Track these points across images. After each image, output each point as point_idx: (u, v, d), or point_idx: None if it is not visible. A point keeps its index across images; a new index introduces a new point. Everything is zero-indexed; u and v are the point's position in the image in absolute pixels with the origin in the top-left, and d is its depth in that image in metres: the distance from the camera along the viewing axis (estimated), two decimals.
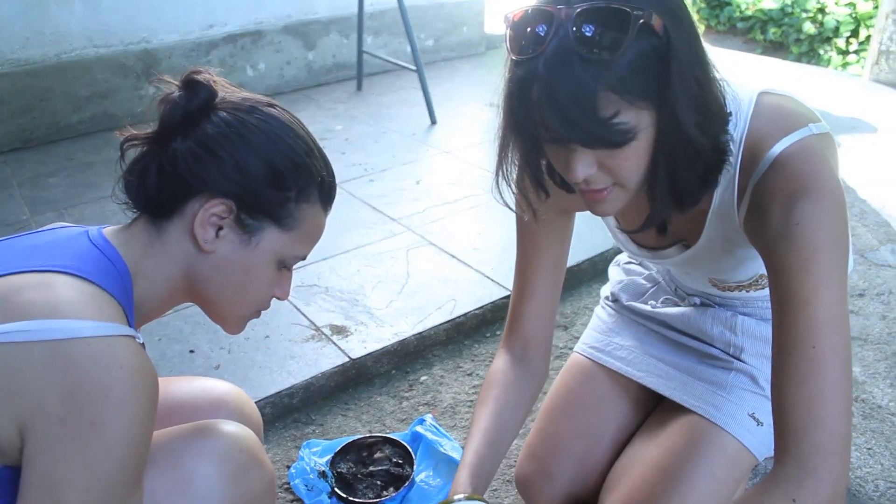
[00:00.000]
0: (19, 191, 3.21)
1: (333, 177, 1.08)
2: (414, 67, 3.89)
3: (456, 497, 1.17)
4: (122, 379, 0.81)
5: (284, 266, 1.06)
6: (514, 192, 1.14)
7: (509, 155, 1.08)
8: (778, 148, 1.02)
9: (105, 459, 0.81)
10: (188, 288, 1.02)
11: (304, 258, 1.08)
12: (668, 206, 1.05)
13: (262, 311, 1.11)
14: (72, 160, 3.53)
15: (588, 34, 0.88)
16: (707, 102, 0.98)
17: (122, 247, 0.97)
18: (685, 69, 0.93)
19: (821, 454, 0.93)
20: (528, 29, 0.93)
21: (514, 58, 0.95)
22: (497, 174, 1.11)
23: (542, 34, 0.91)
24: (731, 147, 1.07)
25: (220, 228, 0.97)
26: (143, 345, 0.90)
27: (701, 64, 0.97)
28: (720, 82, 1.02)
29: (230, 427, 1.06)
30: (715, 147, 1.02)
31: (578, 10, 0.89)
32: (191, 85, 0.97)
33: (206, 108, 0.97)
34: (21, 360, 0.79)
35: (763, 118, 1.07)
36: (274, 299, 1.09)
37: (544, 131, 0.97)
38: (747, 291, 1.34)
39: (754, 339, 1.38)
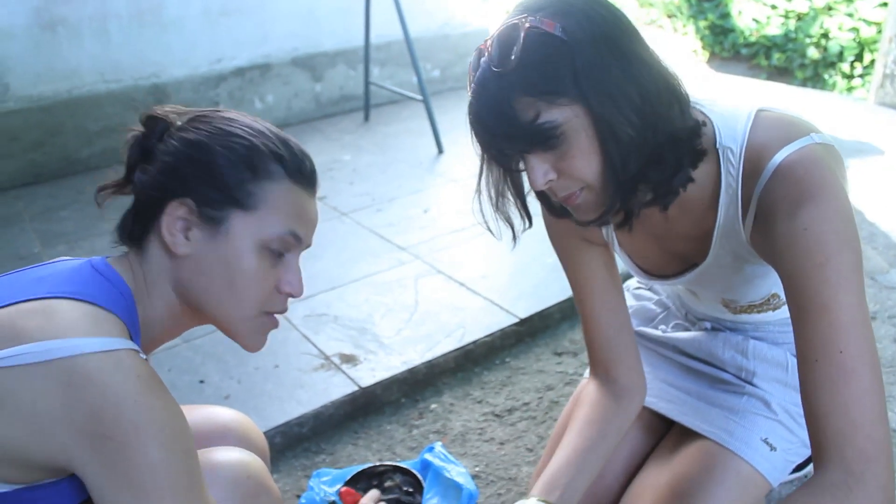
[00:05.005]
0: (31, 224, 3.24)
1: (300, 154, 1.05)
2: (420, 98, 3.92)
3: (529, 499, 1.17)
4: (140, 385, 0.82)
5: (271, 251, 1.00)
6: (497, 215, 1.16)
7: (490, 178, 1.13)
8: (780, 156, 1.03)
9: (166, 453, 0.81)
10: (183, 302, 1.02)
11: (292, 238, 1.02)
12: (627, 196, 1.04)
13: (273, 330, 1.07)
14: (82, 194, 3.56)
15: (496, 53, 0.98)
16: (640, 87, 0.98)
17: (123, 272, 0.99)
18: (599, 60, 0.96)
19: (865, 460, 0.90)
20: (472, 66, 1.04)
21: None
22: (477, 195, 1.14)
23: (474, 69, 1.02)
24: (731, 156, 1.08)
25: (189, 230, 0.98)
26: (146, 360, 0.90)
27: (620, 53, 0.98)
28: (665, 71, 1.03)
29: (237, 454, 1.06)
30: (672, 131, 1.02)
31: (493, 38, 1.00)
32: (147, 122, 1.01)
33: (160, 138, 1.00)
34: (34, 381, 0.80)
35: (763, 130, 1.07)
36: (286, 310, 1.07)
37: (493, 153, 1.06)
38: (759, 313, 1.33)
39: (766, 363, 1.37)
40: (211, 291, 1.00)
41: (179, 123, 1.01)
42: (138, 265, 1.00)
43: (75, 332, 0.82)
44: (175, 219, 0.97)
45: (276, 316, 1.06)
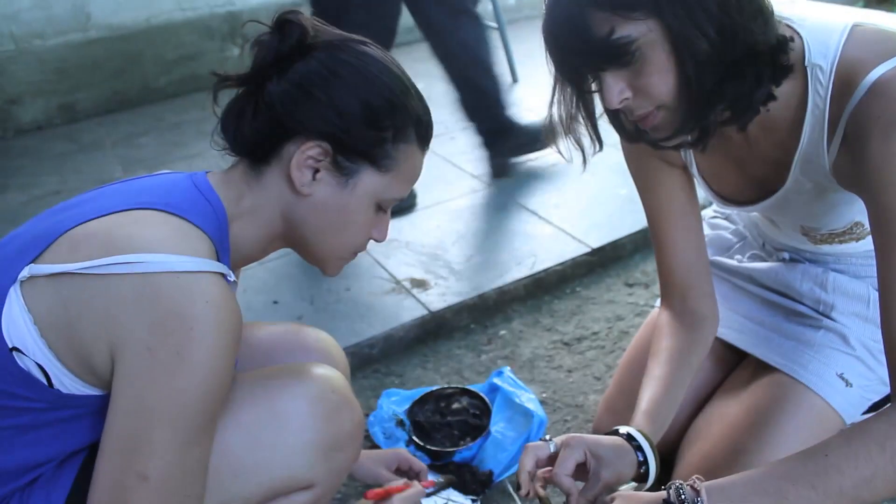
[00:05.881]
0: (112, 151, 3.35)
1: (430, 116, 1.06)
2: (495, 26, 3.84)
3: (623, 427, 1.18)
4: (207, 313, 0.84)
5: (381, 208, 1.05)
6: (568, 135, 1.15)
7: (562, 101, 1.11)
8: (877, 73, 0.95)
9: (189, 388, 0.84)
10: (286, 231, 1.04)
11: (401, 200, 1.08)
12: (703, 114, 1.01)
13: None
14: (161, 121, 3.64)
15: None
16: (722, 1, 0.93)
17: (221, 189, 0.99)
18: None
19: None
20: None
21: None
22: (549, 118, 1.13)
23: None
24: (820, 74, 1.02)
25: (317, 171, 0.98)
26: (235, 283, 0.92)
27: None
28: None
29: (322, 369, 1.09)
30: (753, 44, 0.96)
31: None
32: (283, 26, 0.97)
33: (298, 48, 0.97)
34: (114, 291, 0.83)
35: (858, 45, 1.00)
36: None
37: (566, 71, 1.04)
38: (841, 243, 1.28)
39: (846, 296, 1.32)
40: (321, 232, 1.03)
41: (318, 38, 0.99)
42: (246, 185, 1.00)
43: (165, 248, 0.85)
44: (307, 157, 0.97)
45: None
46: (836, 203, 1.18)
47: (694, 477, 0.93)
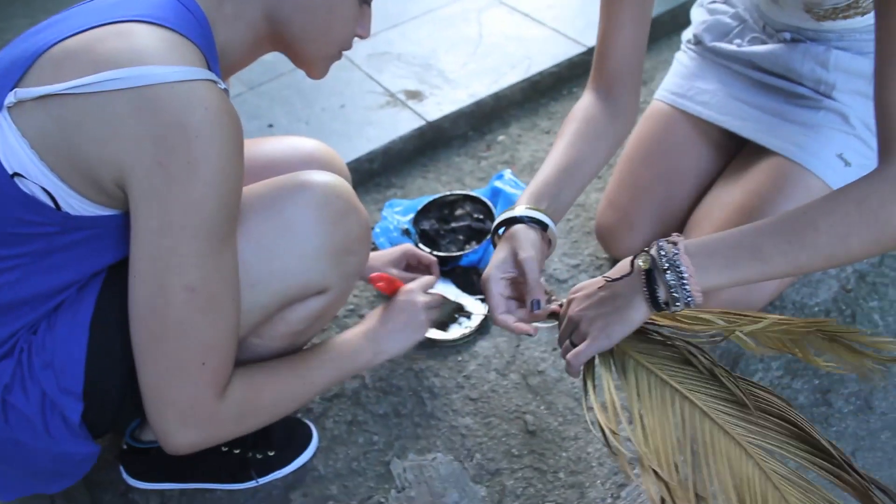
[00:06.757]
0: None
1: None
2: None
3: (516, 208, 1.13)
4: (208, 119, 0.83)
5: (365, 1, 1.04)
6: None
7: None
8: None
9: (207, 195, 0.84)
10: (271, 32, 1.02)
11: None
12: None
13: (335, 67, 1.10)
14: None
15: None
16: None
17: None
18: None
19: None
20: None
21: None
22: None
23: None
24: None
25: None
26: (226, 91, 0.91)
27: None
28: None
29: (326, 176, 1.08)
30: None
31: None
32: None
33: None
34: (112, 108, 0.81)
35: None
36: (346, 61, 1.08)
37: None
38: (845, 18, 1.25)
39: (848, 74, 1.30)
40: (307, 30, 1.01)
41: None
42: None
43: (153, 60, 0.82)
44: None
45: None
46: None
47: (673, 234, 0.95)
